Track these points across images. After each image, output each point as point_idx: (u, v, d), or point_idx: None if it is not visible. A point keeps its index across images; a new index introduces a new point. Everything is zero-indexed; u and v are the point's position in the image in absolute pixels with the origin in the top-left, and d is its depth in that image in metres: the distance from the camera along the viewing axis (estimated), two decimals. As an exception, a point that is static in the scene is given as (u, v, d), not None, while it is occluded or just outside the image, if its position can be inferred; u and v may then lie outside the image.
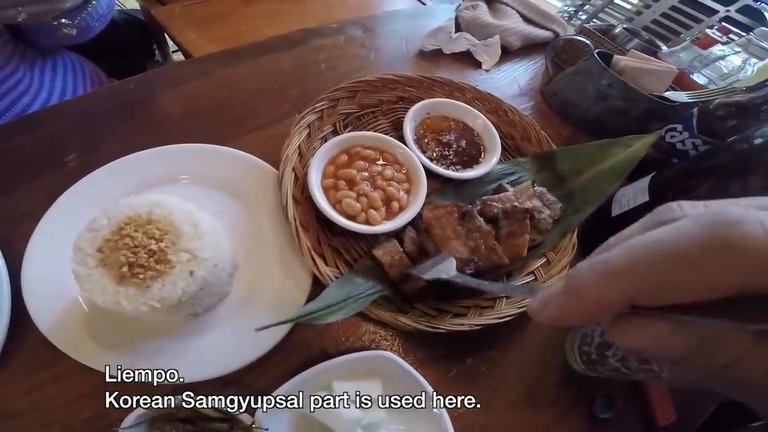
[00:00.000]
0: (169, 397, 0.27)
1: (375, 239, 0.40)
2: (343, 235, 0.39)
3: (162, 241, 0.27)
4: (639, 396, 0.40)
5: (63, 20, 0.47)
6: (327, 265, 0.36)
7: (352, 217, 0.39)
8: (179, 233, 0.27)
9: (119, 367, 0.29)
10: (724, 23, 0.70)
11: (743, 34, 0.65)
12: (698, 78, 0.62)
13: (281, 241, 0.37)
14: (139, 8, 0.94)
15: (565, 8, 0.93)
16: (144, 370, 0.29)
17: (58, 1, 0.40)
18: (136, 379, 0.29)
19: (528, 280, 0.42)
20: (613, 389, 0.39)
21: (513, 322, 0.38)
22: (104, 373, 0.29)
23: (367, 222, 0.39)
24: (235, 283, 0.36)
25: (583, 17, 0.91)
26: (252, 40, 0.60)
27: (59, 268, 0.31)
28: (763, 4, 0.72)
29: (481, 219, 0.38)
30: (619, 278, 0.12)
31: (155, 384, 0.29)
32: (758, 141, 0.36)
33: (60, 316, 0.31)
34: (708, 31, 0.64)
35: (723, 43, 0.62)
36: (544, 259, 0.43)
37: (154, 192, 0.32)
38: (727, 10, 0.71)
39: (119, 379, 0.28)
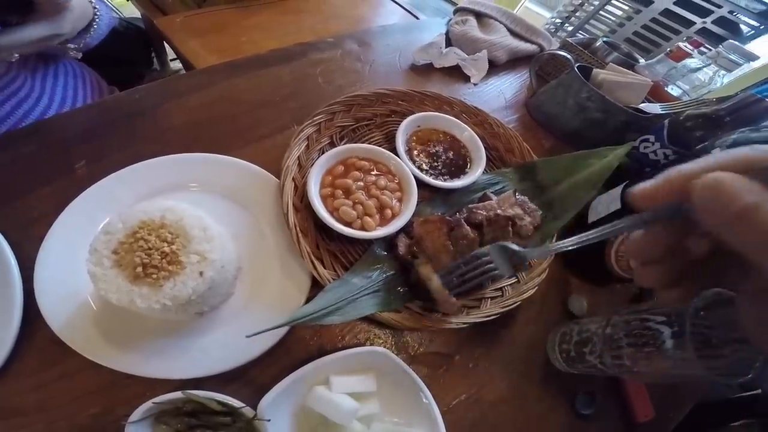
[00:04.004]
0: (175, 391, 0.29)
1: (369, 244, 0.42)
2: (340, 241, 0.42)
3: (174, 243, 0.29)
4: (618, 393, 0.43)
5: (70, 45, 0.51)
6: (325, 268, 0.38)
7: (348, 224, 0.41)
8: (190, 236, 0.30)
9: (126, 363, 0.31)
10: (698, 36, 0.74)
11: (718, 46, 0.68)
12: (673, 90, 0.65)
13: (282, 245, 0.40)
14: (138, 16, 0.95)
15: (552, 20, 0.97)
16: (151, 366, 0.31)
17: (55, 38, 0.42)
18: (142, 375, 0.31)
19: (512, 281, 0.44)
20: (594, 386, 0.42)
21: (498, 323, 0.41)
22: (111, 370, 0.31)
23: (363, 228, 0.41)
24: (239, 284, 0.38)
25: (570, 29, 0.95)
26: (251, 52, 0.62)
27: (71, 269, 0.33)
28: (738, 16, 0.77)
29: (468, 228, 0.40)
30: (681, 172, 0.16)
31: (161, 379, 0.31)
32: (716, 151, 0.39)
33: (70, 315, 0.32)
34: (680, 44, 0.67)
35: (694, 56, 0.65)
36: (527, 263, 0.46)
37: (163, 198, 0.34)
38: (704, 22, 0.75)
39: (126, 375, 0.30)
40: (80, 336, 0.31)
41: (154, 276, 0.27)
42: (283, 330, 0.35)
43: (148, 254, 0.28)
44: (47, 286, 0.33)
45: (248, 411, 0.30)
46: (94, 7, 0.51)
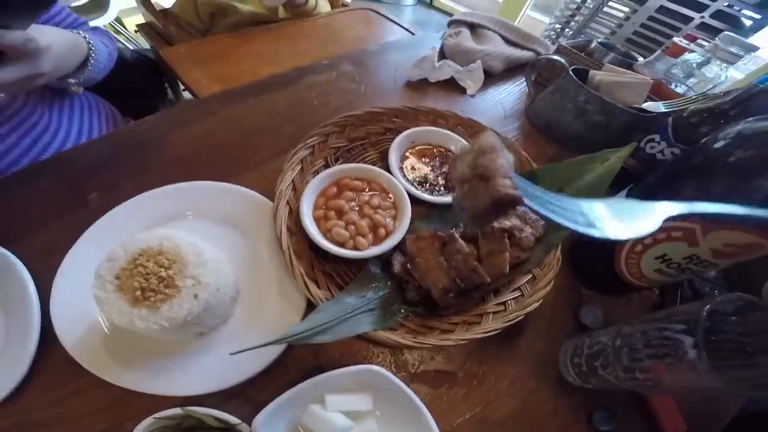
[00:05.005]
0: (177, 407, 0.31)
1: (365, 263, 0.44)
2: (335, 261, 0.43)
3: (170, 269, 0.32)
4: (642, 406, 0.41)
5: (70, 80, 0.55)
6: (320, 288, 0.40)
7: (341, 244, 0.43)
8: (185, 262, 0.32)
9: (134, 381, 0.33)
10: (699, 31, 0.74)
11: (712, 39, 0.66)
12: (678, 88, 0.65)
13: (280, 268, 0.42)
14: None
15: (552, 26, 0.99)
16: (156, 383, 0.34)
17: (37, 77, 0.44)
18: (148, 392, 0.33)
19: (515, 296, 0.44)
20: (614, 400, 0.41)
21: (504, 338, 0.41)
22: (120, 387, 0.33)
23: (356, 248, 0.43)
24: (238, 306, 0.40)
25: (570, 33, 0.97)
26: (251, 78, 0.66)
27: (83, 294, 0.36)
28: (738, 9, 0.75)
29: (462, 242, 0.41)
30: None
31: (166, 396, 0.34)
32: (719, 144, 0.37)
33: (83, 336, 0.36)
34: (675, 39, 0.67)
35: (693, 51, 0.65)
36: (531, 276, 0.45)
37: (164, 227, 0.37)
38: (702, 17, 0.75)
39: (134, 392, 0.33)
40: (91, 355, 0.35)
41: (152, 299, 0.30)
42: (279, 349, 0.37)
43: (146, 279, 0.31)
44: (62, 309, 0.36)
45: (244, 427, 0.31)
46: (89, 43, 0.55)
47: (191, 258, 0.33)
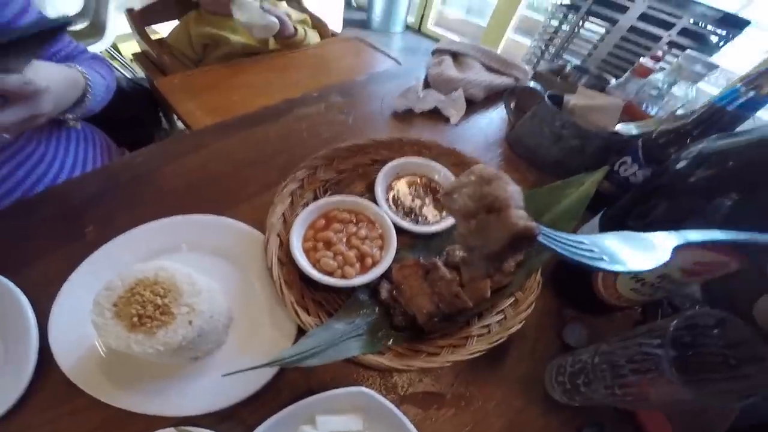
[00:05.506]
0: (171, 428, 0.34)
1: (352, 291, 0.47)
2: (325, 290, 0.46)
3: (166, 297, 0.35)
4: (632, 421, 0.43)
5: (68, 115, 0.58)
6: (310, 315, 0.43)
7: (330, 274, 0.46)
8: (180, 291, 0.35)
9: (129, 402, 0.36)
10: (669, 49, 0.78)
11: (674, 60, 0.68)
12: (651, 108, 0.67)
13: (271, 298, 0.45)
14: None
15: (532, 49, 1.05)
16: (151, 404, 0.36)
17: (38, 117, 0.45)
18: (143, 413, 0.36)
19: (498, 318, 0.46)
20: (603, 416, 0.43)
21: (490, 360, 0.43)
22: (116, 408, 0.36)
23: (344, 277, 0.46)
24: (231, 334, 0.43)
25: (549, 56, 1.03)
26: (243, 110, 0.70)
27: (79, 320, 0.39)
28: (704, 26, 0.80)
29: (445, 269, 0.44)
30: None
31: (160, 417, 0.36)
32: (681, 164, 0.38)
33: (79, 359, 0.38)
34: (642, 60, 0.70)
35: (658, 70, 0.67)
36: (513, 299, 0.48)
37: (159, 259, 0.40)
38: (669, 35, 0.79)
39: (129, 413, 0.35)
40: (88, 377, 0.37)
41: (149, 325, 0.33)
42: (271, 373, 0.39)
43: (143, 306, 0.33)
44: (59, 334, 0.39)
45: (237, 447, 0.34)
46: (86, 78, 0.57)
47: (185, 287, 0.36)
